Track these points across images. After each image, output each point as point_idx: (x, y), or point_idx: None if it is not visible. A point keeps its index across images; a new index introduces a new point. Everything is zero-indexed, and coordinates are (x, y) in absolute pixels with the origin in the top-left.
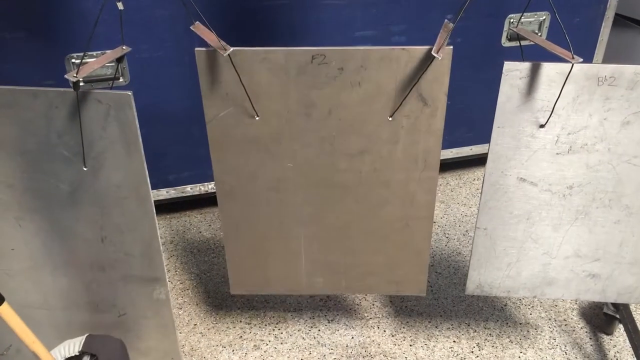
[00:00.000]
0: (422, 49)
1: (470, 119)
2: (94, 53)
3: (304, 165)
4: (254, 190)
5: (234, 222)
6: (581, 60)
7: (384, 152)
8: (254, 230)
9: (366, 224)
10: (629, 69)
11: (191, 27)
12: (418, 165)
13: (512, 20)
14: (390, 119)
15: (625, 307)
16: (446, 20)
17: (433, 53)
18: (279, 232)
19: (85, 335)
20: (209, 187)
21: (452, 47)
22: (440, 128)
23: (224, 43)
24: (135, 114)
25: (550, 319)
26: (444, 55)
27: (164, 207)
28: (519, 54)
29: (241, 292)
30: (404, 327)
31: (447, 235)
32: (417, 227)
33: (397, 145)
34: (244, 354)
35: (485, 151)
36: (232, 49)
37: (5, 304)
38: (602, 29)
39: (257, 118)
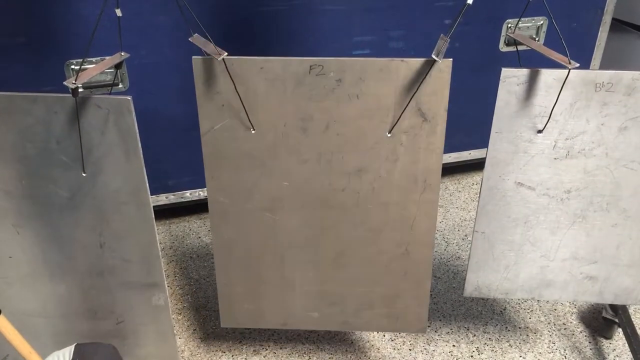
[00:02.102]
0: (420, 60)
1: (469, 123)
2: (93, 59)
3: (300, 184)
4: (249, 210)
5: (227, 246)
6: (577, 65)
7: (383, 170)
8: (247, 256)
9: (364, 250)
10: (626, 75)
11: (190, 39)
12: (418, 186)
13: (509, 25)
14: (389, 135)
15: (624, 311)
16: (442, 34)
17: (433, 56)
18: (273, 258)
19: (74, 344)
20: None
21: (451, 59)
22: (441, 146)
23: (219, 49)
24: (135, 118)
25: (549, 323)
26: (443, 67)
27: (164, 213)
28: (517, 59)
29: (232, 325)
30: (403, 332)
31: (446, 240)
32: (417, 254)
33: (396, 164)
34: (243, 359)
35: (484, 155)
36: (226, 54)
37: (1, 316)
38: (599, 34)
39: (253, 131)
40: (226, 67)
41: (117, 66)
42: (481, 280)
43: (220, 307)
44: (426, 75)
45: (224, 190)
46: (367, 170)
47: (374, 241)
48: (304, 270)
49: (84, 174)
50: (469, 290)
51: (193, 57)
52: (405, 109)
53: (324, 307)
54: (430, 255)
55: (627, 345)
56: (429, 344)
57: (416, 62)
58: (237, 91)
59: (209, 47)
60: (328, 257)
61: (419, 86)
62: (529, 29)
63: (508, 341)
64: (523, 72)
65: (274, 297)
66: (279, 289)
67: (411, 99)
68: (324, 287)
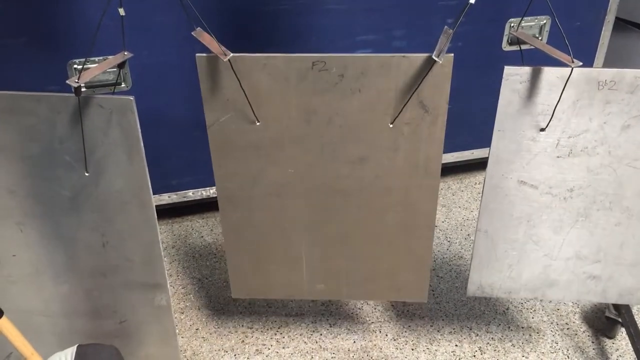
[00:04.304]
0: (422, 56)
1: (471, 122)
2: (96, 59)
3: (305, 171)
4: (255, 195)
5: (235, 226)
6: (580, 64)
7: (385, 159)
8: (255, 235)
9: (367, 231)
10: (629, 73)
11: (192, 33)
12: (419, 172)
13: (512, 25)
14: (390, 126)
15: (627, 310)
16: (446, 26)
17: (434, 57)
18: (280, 238)
19: (75, 345)
20: (211, 191)
21: (452, 54)
22: (441, 136)
23: (224, 48)
24: (137, 118)
25: (552, 323)
26: (444, 62)
27: (166, 212)
28: (520, 58)
29: (242, 296)
30: (405, 331)
31: (448, 239)
32: (419, 234)
33: (398, 153)
34: (245, 359)
35: (487, 155)
36: (232, 54)
37: (4, 318)
38: (602, 33)
39: (258, 124)
40: (231, 67)
41: (120, 65)
42: (484, 280)
43: (231, 279)
44: (427, 72)
45: (230, 177)
46: (369, 159)
47: (377, 223)
48: (309, 249)
49: (86, 174)
50: (472, 289)
51: (197, 54)
52: (406, 103)
53: (330, 280)
54: (431, 235)
55: (630, 344)
56: (431, 344)
57: (417, 58)
58: (242, 88)
59: (214, 47)
60: (333, 237)
61: (420, 82)
62: (531, 28)
63: (511, 341)
64: (526, 70)
65: (281, 272)
66: (286, 264)
67: (412, 94)
68: (329, 263)
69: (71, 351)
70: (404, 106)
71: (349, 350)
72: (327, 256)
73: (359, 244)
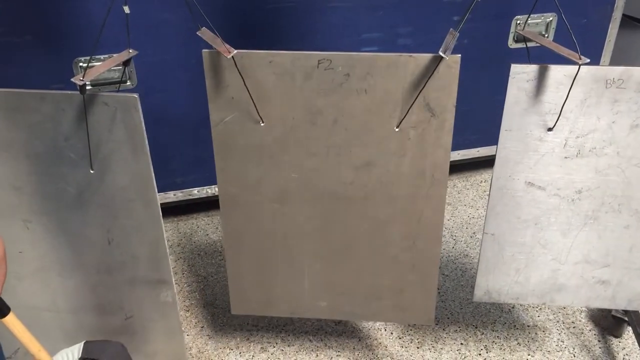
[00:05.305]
0: (428, 56)
1: (477, 120)
2: (101, 57)
3: (309, 176)
4: (258, 201)
5: (237, 236)
6: (588, 61)
7: (391, 165)
8: (256, 246)
9: (371, 242)
10: (637, 72)
11: (197, 33)
12: (426, 180)
13: (518, 22)
14: (397, 129)
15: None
16: (451, 29)
17: (440, 53)
18: (282, 248)
19: (83, 342)
20: (216, 189)
21: (459, 55)
22: (449, 142)
23: (228, 46)
24: (142, 116)
25: (558, 322)
26: (451, 62)
27: (171, 210)
28: (526, 56)
29: (242, 312)
30: (411, 330)
31: (454, 238)
32: (425, 248)
33: (404, 159)
34: (251, 356)
35: (493, 153)
36: (235, 51)
37: (11, 315)
38: (609, 30)
39: (262, 124)
40: (235, 64)
41: (125, 63)
42: (491, 284)
43: (231, 295)
44: (434, 71)
45: (233, 182)
46: (375, 165)
47: (382, 234)
48: (312, 261)
49: (92, 171)
50: (479, 294)
51: (203, 50)
52: (413, 104)
53: (332, 297)
54: (438, 249)
55: (636, 343)
56: (437, 342)
57: (424, 58)
58: (246, 86)
59: (218, 44)
60: (336, 249)
61: (427, 82)
62: (538, 25)
63: (516, 339)
64: (532, 68)
65: (282, 286)
66: (288, 278)
67: (419, 94)
68: (332, 277)
69: (78, 347)
70: (411, 106)
71: (354, 348)
72: (330, 269)
73: (362, 256)
